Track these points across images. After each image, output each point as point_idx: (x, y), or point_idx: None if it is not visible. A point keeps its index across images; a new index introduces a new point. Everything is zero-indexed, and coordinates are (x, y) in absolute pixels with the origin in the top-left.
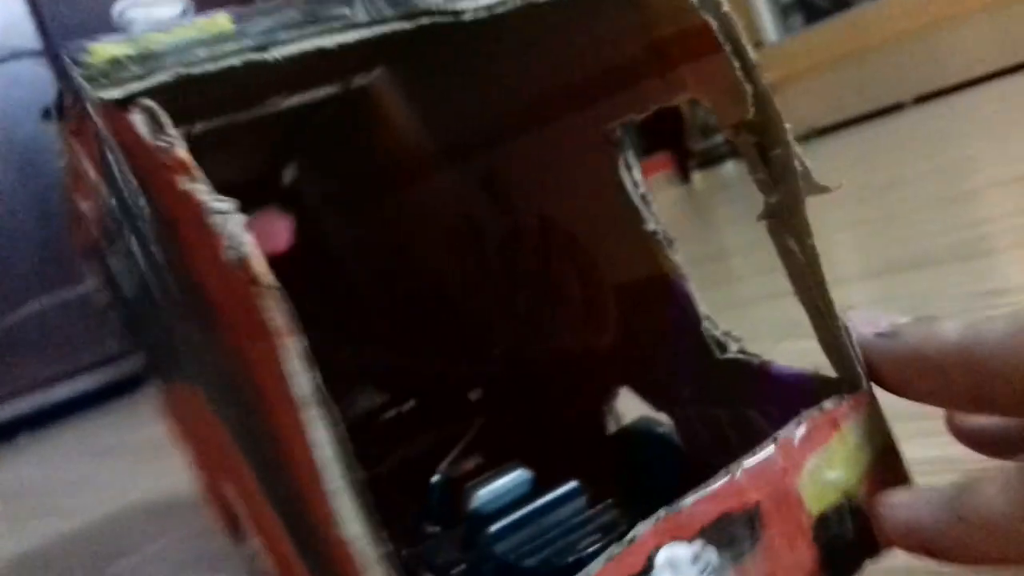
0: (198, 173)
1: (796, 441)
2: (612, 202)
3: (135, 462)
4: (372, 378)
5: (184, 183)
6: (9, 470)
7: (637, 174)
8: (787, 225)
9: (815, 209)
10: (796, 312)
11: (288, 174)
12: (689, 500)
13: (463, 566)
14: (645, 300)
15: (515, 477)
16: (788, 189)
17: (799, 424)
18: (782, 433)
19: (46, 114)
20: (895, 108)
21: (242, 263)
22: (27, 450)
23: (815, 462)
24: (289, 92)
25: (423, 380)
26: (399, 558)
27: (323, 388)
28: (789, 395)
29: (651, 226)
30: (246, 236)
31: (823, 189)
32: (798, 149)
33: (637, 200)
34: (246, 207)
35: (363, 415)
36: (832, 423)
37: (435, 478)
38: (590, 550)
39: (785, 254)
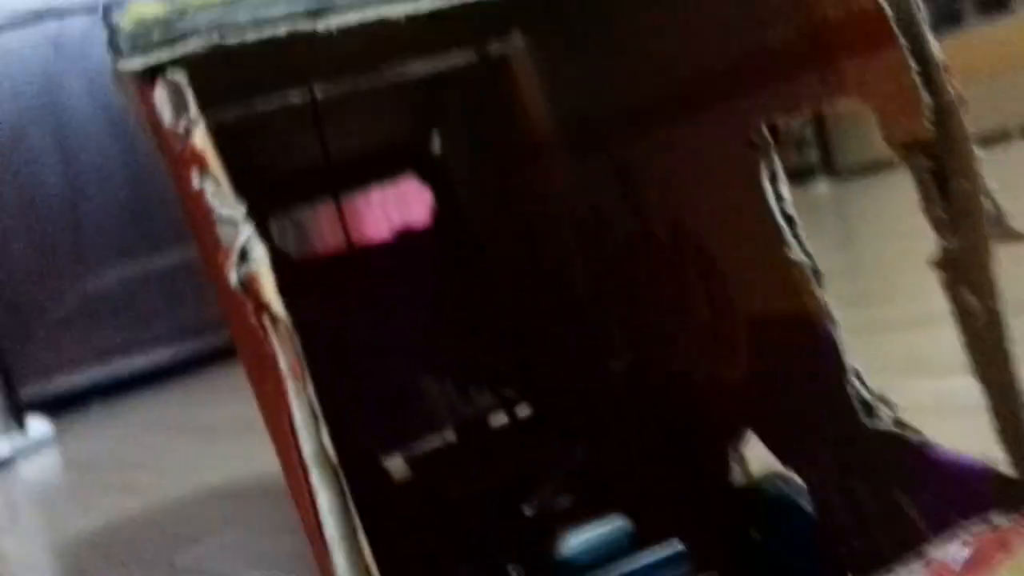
0: (215, 166)
1: (954, 565)
2: (752, 217)
3: (209, 441)
4: (489, 375)
5: (196, 179)
6: (81, 440)
7: (783, 188)
8: (967, 278)
9: (901, 239)
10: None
11: (436, 144)
12: None
13: None
14: (782, 339)
15: (614, 528)
16: (972, 233)
17: (961, 543)
18: (937, 552)
19: None
20: (1001, 138)
21: (247, 286)
22: (100, 420)
23: None
24: (415, 56)
25: (542, 385)
26: None
27: (329, 447)
28: (951, 488)
29: (795, 254)
30: (257, 253)
31: (1021, 236)
32: (989, 184)
33: (780, 219)
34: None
35: (473, 419)
36: (1003, 546)
37: (527, 511)
38: None
39: (961, 314)
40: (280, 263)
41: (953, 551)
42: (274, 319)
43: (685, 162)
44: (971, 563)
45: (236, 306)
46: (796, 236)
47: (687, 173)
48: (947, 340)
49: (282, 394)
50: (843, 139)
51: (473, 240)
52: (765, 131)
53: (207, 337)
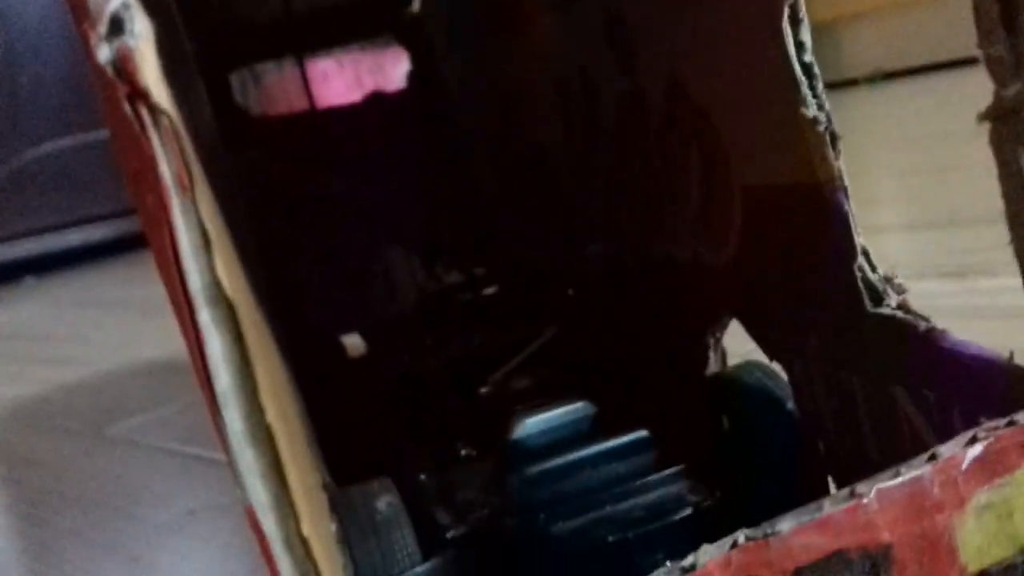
0: None
1: (965, 464)
2: (763, 69)
3: (145, 317)
4: (458, 250)
5: None
6: (11, 312)
7: (805, 33)
8: (1021, 131)
9: (867, 152)
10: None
11: (415, 3)
12: (787, 525)
13: (485, 511)
14: (783, 213)
15: (574, 410)
16: None
17: (973, 440)
18: (946, 449)
19: None
20: (970, 61)
21: (120, 66)
22: (32, 293)
23: (987, 499)
24: None
25: (513, 265)
26: (414, 483)
27: (224, 280)
28: (960, 383)
29: (812, 111)
30: (137, 25)
31: None
32: None
33: (799, 70)
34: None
35: (437, 294)
36: (1022, 448)
37: (483, 389)
38: (640, 530)
39: (1008, 176)
40: (238, 120)
41: (965, 448)
42: (153, 110)
43: (688, 7)
44: (983, 461)
45: (109, 95)
46: (814, 90)
47: (691, 18)
48: (924, 244)
49: (164, 210)
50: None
51: (449, 107)
52: None
53: None
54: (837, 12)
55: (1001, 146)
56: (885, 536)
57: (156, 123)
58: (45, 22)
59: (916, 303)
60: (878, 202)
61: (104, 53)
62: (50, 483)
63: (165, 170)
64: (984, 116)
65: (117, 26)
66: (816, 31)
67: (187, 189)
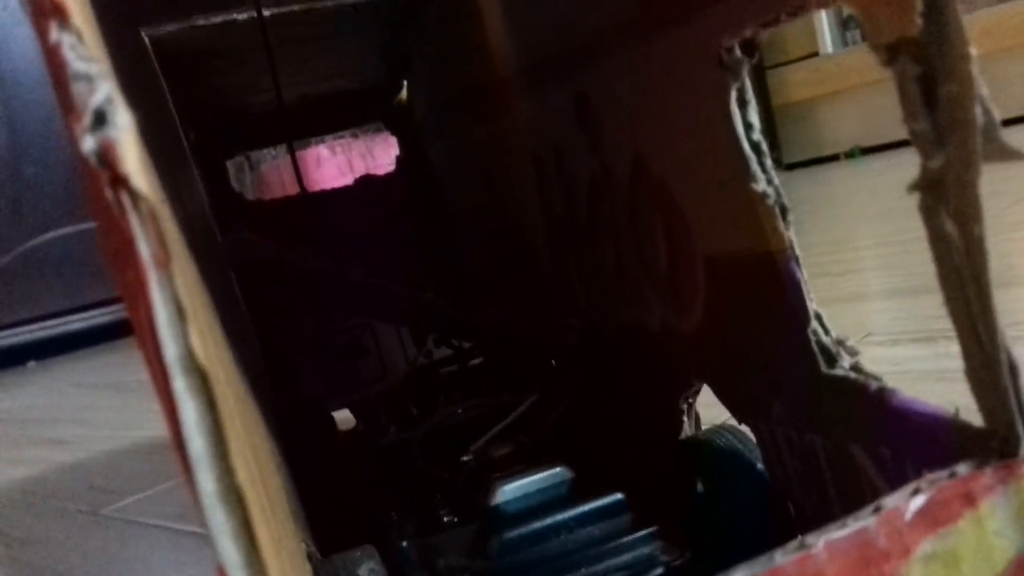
0: (78, 15)
1: (908, 515)
2: (715, 146)
3: (139, 399)
4: (445, 325)
5: (54, 32)
6: (15, 396)
7: (753, 114)
8: (948, 201)
9: (846, 224)
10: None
11: (403, 91)
12: (739, 575)
13: (466, 575)
14: (742, 280)
15: (551, 476)
16: (960, 148)
17: (916, 492)
18: (890, 501)
19: None
20: None
21: (103, 155)
22: (34, 378)
23: (931, 548)
24: None
25: (497, 337)
26: (397, 550)
27: (198, 350)
28: (911, 439)
29: (761, 186)
30: (120, 118)
31: (1016, 155)
32: (984, 91)
33: (747, 148)
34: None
35: (423, 367)
36: (966, 497)
37: (465, 457)
38: None
39: (938, 242)
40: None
41: (908, 499)
42: (134, 196)
43: (647, 89)
44: (926, 511)
45: (92, 183)
46: (763, 166)
47: (649, 100)
48: (897, 311)
49: (142, 285)
50: (789, 139)
51: (435, 189)
52: (737, 48)
53: None
54: (816, 91)
55: (929, 214)
56: None
57: (136, 207)
58: (51, 112)
59: (891, 367)
60: (856, 272)
61: (88, 144)
62: (47, 561)
63: (143, 248)
64: (913, 187)
65: (100, 118)
66: (796, 109)
67: (163, 265)
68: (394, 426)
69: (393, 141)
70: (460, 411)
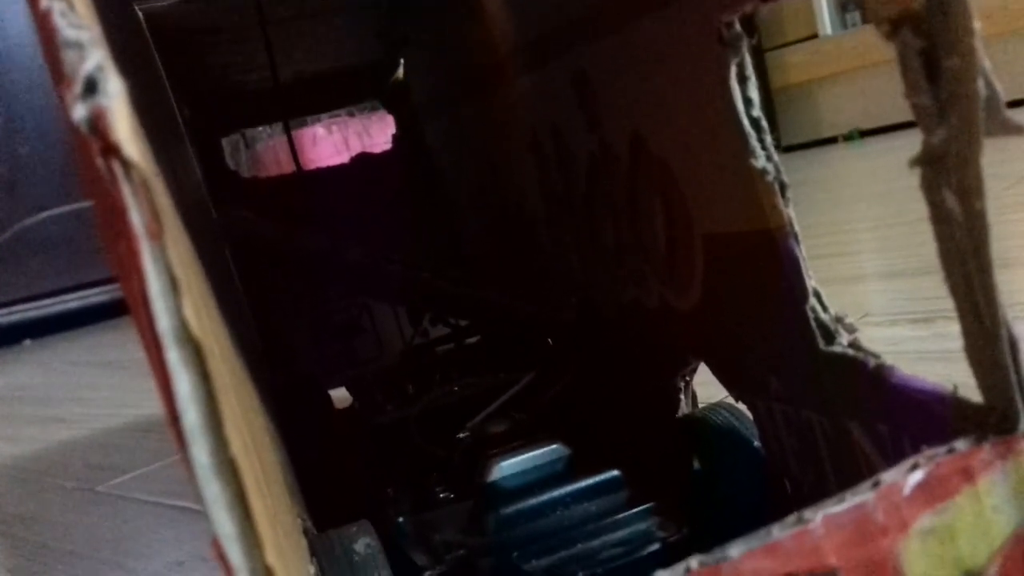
0: None
1: (907, 490)
2: (715, 124)
3: (134, 378)
4: (442, 304)
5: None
6: (10, 374)
7: (752, 90)
8: (950, 176)
9: (845, 206)
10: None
11: (400, 69)
12: (736, 550)
13: (461, 551)
14: (740, 259)
15: (548, 452)
16: (962, 122)
17: (914, 467)
18: (888, 476)
19: None
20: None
21: (94, 124)
22: (30, 356)
23: (929, 523)
24: None
25: (494, 316)
26: (394, 526)
27: (191, 321)
28: (909, 415)
29: (761, 162)
30: (111, 85)
31: (1018, 130)
32: (987, 64)
33: (747, 124)
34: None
35: (419, 346)
36: (964, 473)
37: (461, 435)
38: (610, 566)
39: (939, 218)
40: (229, 182)
41: (906, 475)
42: (126, 164)
43: (645, 66)
44: (925, 486)
45: (83, 152)
46: (763, 143)
47: (648, 78)
48: (895, 292)
49: (134, 256)
50: (788, 122)
51: (432, 167)
52: (737, 23)
53: None
54: (815, 74)
55: (930, 189)
56: (832, 560)
57: (128, 176)
58: (46, 93)
59: (889, 347)
60: (855, 253)
61: (79, 112)
62: (44, 538)
63: (136, 218)
64: (914, 162)
65: (92, 86)
66: (794, 92)
67: (156, 236)
68: (391, 404)
69: (389, 119)
70: (456, 389)
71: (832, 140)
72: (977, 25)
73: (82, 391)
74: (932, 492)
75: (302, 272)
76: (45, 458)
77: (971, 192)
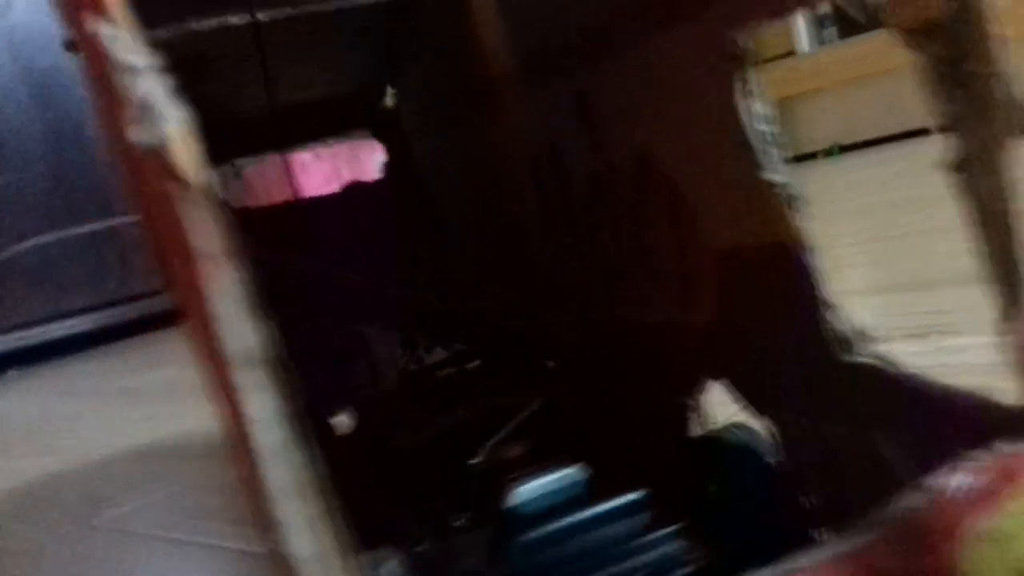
0: (117, 9)
1: (955, 494)
2: (722, 139)
3: (131, 406)
4: (438, 328)
5: (91, 21)
6: None
7: (761, 105)
8: (978, 179)
9: (829, 221)
10: None
11: (389, 97)
12: (798, 564)
13: None
14: (754, 274)
15: (567, 476)
16: (987, 126)
17: (966, 472)
18: (933, 481)
19: (68, 45)
20: (921, 132)
21: (157, 149)
22: (16, 386)
23: (983, 526)
24: None
25: (493, 339)
26: (410, 555)
27: (264, 344)
28: (939, 422)
29: (771, 175)
30: (171, 111)
31: None
32: (1009, 69)
33: (757, 139)
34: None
35: (421, 370)
36: (1007, 474)
37: (474, 460)
38: None
39: (972, 220)
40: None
41: (958, 481)
42: (193, 190)
43: (651, 85)
44: (971, 490)
45: (139, 174)
46: (772, 156)
47: (653, 97)
48: (884, 308)
49: (200, 279)
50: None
51: (424, 192)
52: (742, 42)
53: (126, 308)
54: (793, 90)
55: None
56: (889, 567)
57: (196, 201)
58: (29, 122)
59: None
60: (841, 269)
61: (142, 136)
62: (41, 574)
63: (203, 243)
64: (944, 167)
65: (156, 113)
66: (774, 108)
67: (226, 260)
68: (396, 430)
69: (379, 147)
70: (463, 413)
71: (812, 155)
72: (999, 31)
73: (72, 421)
74: (980, 495)
75: (294, 299)
76: (38, 492)
77: (1001, 195)
